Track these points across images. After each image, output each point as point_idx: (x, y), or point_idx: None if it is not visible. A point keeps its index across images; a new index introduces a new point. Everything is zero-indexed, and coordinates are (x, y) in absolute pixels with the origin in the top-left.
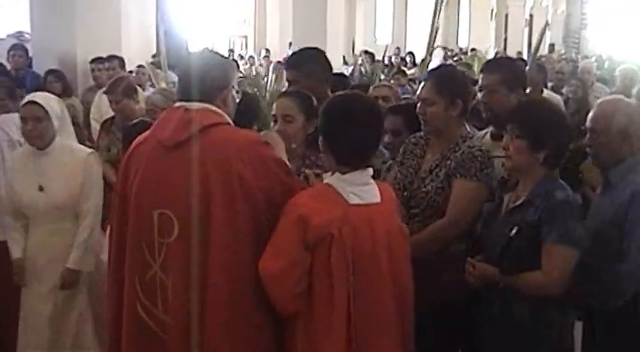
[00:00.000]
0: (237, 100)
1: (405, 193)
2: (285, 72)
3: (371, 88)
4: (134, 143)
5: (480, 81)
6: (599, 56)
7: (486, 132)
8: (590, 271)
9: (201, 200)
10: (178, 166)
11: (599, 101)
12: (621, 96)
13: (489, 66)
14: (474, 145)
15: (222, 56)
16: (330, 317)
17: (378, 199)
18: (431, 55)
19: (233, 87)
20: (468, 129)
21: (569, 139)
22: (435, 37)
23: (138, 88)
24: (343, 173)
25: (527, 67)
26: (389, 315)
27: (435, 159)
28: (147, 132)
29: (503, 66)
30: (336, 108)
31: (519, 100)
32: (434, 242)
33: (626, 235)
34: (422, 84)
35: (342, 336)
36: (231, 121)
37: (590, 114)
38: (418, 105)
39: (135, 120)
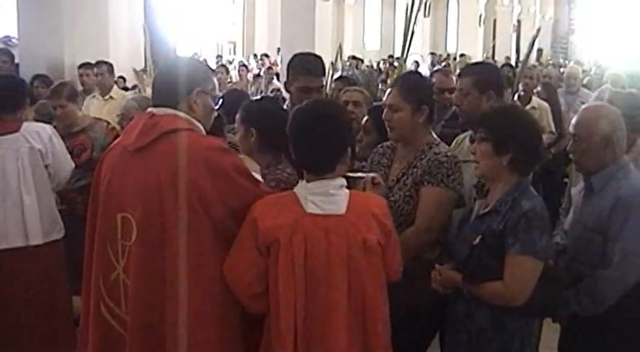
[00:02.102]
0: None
1: None
2: (345, 93)
3: (342, 92)
4: (108, 149)
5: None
6: (577, 61)
7: (465, 136)
8: (572, 277)
9: (156, 206)
10: (136, 171)
11: (582, 107)
12: (605, 103)
13: (464, 70)
14: (439, 151)
15: (196, 60)
16: (278, 321)
17: (342, 211)
18: (405, 61)
19: (209, 92)
20: (435, 136)
21: (537, 145)
22: (410, 44)
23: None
24: (308, 181)
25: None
26: (342, 326)
27: (402, 168)
28: (119, 138)
29: (476, 69)
30: (292, 118)
31: (491, 106)
32: (405, 250)
33: (609, 241)
34: (388, 90)
35: (291, 340)
36: (201, 127)
37: (574, 121)
38: (385, 111)
39: None
